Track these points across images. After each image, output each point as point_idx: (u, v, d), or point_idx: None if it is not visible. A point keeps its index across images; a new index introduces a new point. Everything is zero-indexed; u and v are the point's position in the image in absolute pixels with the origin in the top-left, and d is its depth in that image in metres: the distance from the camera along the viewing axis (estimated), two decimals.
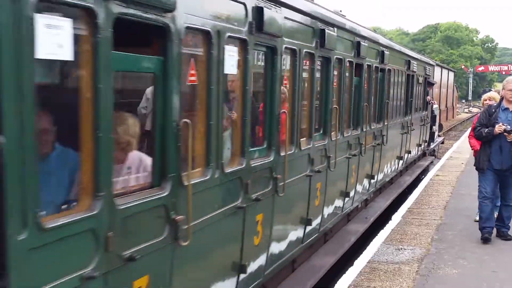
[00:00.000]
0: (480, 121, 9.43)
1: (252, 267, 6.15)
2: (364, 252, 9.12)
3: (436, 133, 23.22)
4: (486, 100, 10.96)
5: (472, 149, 10.44)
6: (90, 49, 3.48)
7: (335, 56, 8.68)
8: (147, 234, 4.08)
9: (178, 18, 4.22)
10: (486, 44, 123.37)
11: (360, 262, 8.52)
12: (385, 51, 12.04)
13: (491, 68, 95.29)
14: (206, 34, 4.77)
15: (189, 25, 4.41)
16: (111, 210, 3.63)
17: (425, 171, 18.37)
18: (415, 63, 16.17)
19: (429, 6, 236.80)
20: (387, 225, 10.90)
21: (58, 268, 3.26)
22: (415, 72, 16.05)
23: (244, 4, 5.48)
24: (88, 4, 3.38)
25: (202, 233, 4.86)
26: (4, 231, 2.89)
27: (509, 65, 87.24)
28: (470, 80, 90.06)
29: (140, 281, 3.97)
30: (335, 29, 8.52)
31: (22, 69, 2.95)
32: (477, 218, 9.95)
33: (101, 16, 3.46)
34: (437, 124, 23.01)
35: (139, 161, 4.41)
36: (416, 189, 14.63)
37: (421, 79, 17.68)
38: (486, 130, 9.19)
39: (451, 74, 56.67)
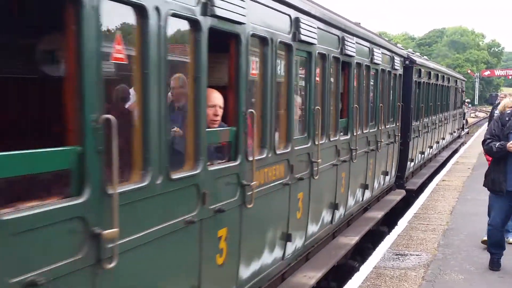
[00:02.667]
0: (491, 131, 7.94)
1: None
2: (370, 258, 9.02)
3: (464, 125, 34.72)
4: (509, 107, 8.62)
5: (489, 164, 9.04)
6: None
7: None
8: None
9: None
10: (492, 49, 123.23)
11: (366, 268, 8.43)
12: (450, 78, 23.47)
13: (497, 72, 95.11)
14: None
15: None
16: None
17: (461, 146, 28.42)
18: (458, 81, 27.90)
19: (435, 11, 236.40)
20: (393, 231, 10.84)
21: None
22: (458, 86, 27.31)
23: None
24: None
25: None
26: None
27: None
28: (477, 85, 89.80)
29: None
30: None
31: None
32: (485, 238, 9.00)
33: None
34: (464, 119, 34.70)
35: None
36: (422, 194, 14.80)
37: (459, 90, 28.47)
38: (497, 144, 7.69)
39: None
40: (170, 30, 4.19)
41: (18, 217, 2.95)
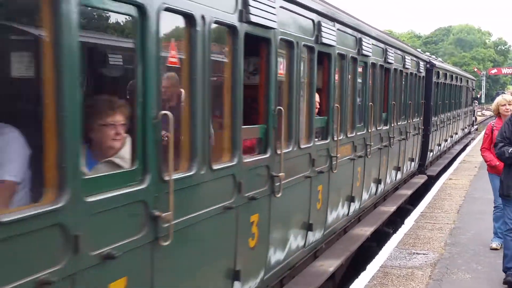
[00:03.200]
0: (502, 134, 7.42)
1: None
2: (377, 257, 9.10)
3: (474, 122, 38.69)
4: (504, 105, 9.00)
5: (487, 164, 9.08)
6: None
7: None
8: None
9: None
10: (499, 47, 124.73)
11: (373, 267, 8.50)
12: (462, 78, 26.93)
13: (504, 70, 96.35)
14: None
15: None
16: None
17: (471, 141, 30.95)
18: (469, 80, 31.46)
19: (441, 9, 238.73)
20: (400, 229, 10.89)
21: None
22: (468, 85, 30.66)
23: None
24: None
25: None
26: None
27: None
28: (483, 83, 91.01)
29: None
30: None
31: None
32: (494, 246, 9.11)
33: None
34: (474, 116, 38.65)
35: None
36: (429, 193, 14.81)
37: (470, 89, 32.00)
38: (510, 150, 7.19)
39: None
40: (302, 56, 6.73)
41: (249, 161, 5.49)
